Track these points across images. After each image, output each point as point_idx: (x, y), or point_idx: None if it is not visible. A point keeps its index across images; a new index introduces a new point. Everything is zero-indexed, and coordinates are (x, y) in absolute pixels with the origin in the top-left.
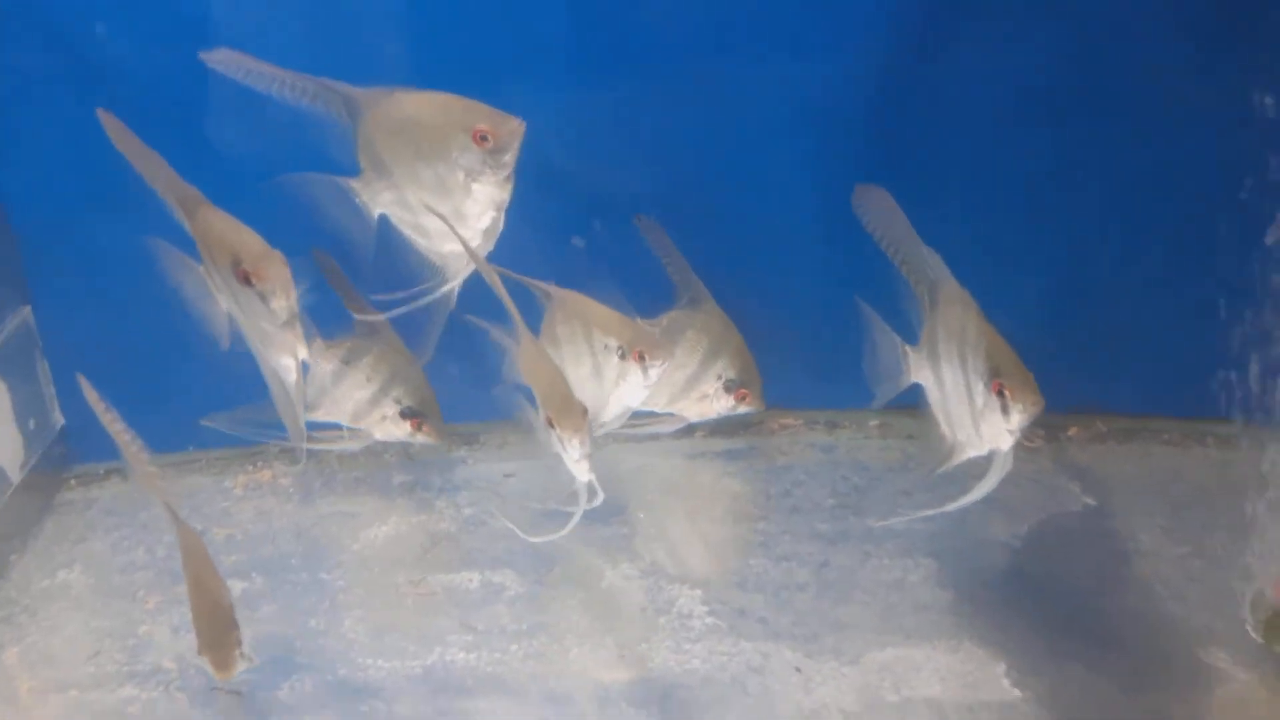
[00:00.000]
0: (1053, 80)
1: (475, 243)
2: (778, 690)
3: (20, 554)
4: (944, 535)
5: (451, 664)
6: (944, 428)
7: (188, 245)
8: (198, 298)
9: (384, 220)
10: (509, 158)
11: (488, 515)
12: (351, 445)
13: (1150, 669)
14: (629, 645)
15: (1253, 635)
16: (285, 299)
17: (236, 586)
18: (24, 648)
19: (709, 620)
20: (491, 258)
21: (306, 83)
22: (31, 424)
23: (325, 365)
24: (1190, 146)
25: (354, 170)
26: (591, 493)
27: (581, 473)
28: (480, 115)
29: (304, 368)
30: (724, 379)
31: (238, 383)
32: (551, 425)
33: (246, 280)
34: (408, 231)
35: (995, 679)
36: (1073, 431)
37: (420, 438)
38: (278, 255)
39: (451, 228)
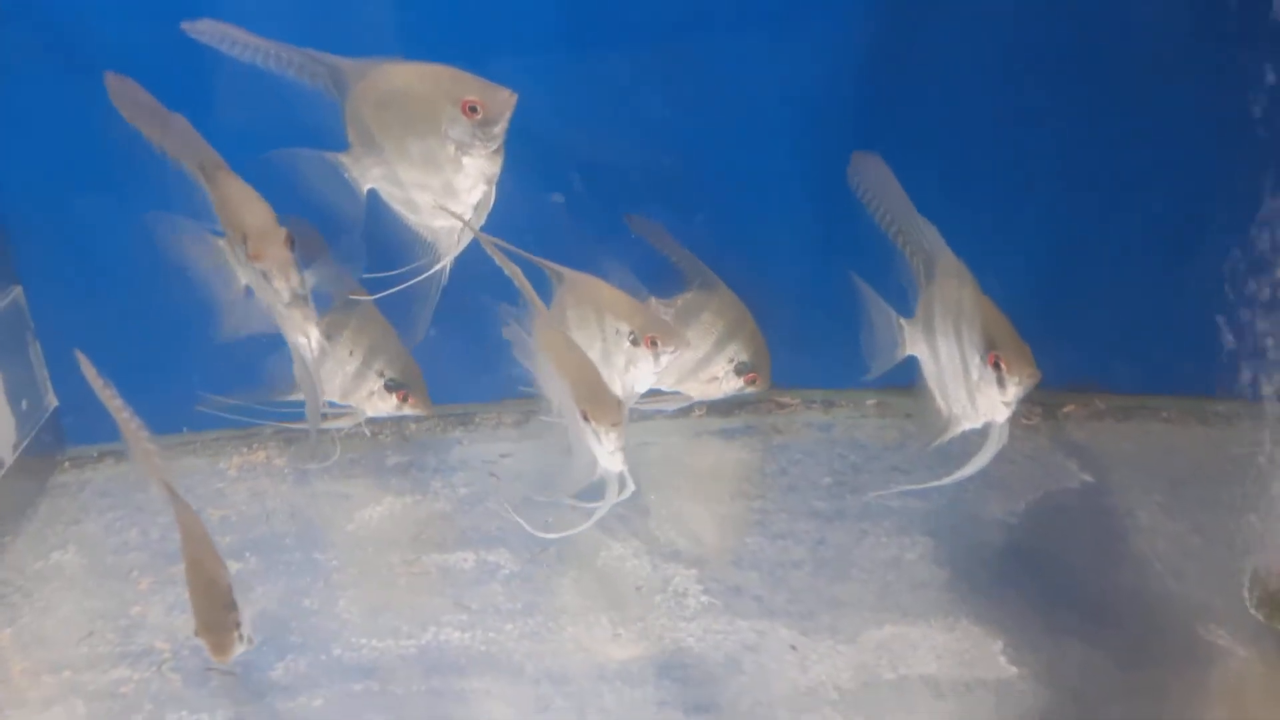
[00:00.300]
0: (1049, 51)
1: (466, 217)
2: (773, 668)
3: (14, 535)
4: (941, 513)
5: (446, 643)
6: (939, 401)
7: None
8: (211, 272)
9: (373, 195)
10: (499, 129)
11: (484, 495)
12: (345, 423)
13: (1148, 646)
14: (624, 624)
15: (1252, 612)
16: (285, 279)
17: (231, 567)
18: (17, 629)
19: (704, 599)
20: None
21: (292, 54)
22: (24, 405)
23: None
24: (1191, 123)
25: (342, 145)
26: (622, 483)
27: (615, 464)
28: (470, 86)
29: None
30: (736, 362)
31: (232, 364)
32: (587, 419)
33: (253, 257)
34: (398, 207)
35: (992, 656)
36: (1070, 409)
37: (408, 410)
38: (280, 234)
39: (466, 223)
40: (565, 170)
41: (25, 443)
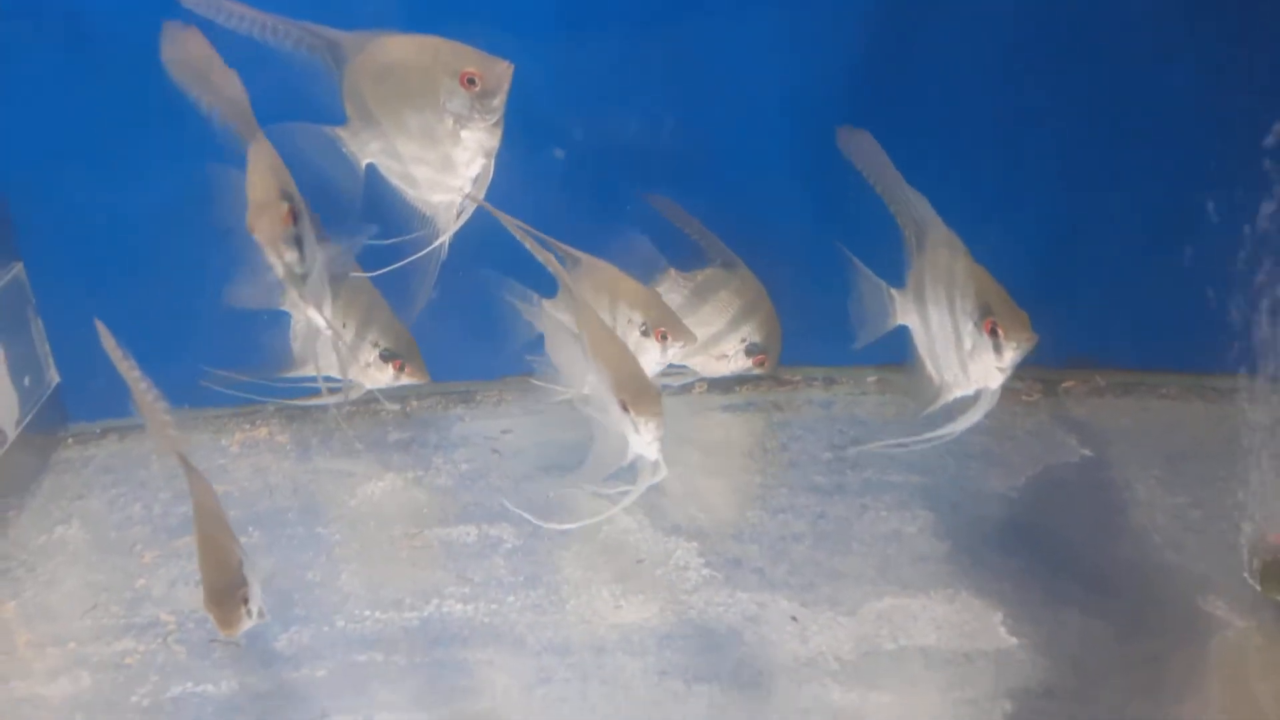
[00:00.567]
0: (1050, 28)
1: (464, 190)
2: (774, 639)
3: (18, 510)
4: (941, 488)
5: (449, 615)
6: (930, 369)
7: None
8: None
9: (372, 170)
10: (498, 102)
11: (486, 471)
12: (343, 398)
13: (1148, 617)
14: (625, 596)
15: (1251, 583)
16: (276, 254)
17: None
18: (22, 602)
19: (705, 571)
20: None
21: (289, 27)
22: (26, 381)
23: (298, 313)
24: (1192, 100)
25: (340, 118)
26: (655, 470)
27: (652, 452)
28: (468, 58)
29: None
30: (748, 342)
31: (235, 340)
32: (626, 408)
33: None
34: (396, 181)
35: (992, 628)
36: (1071, 385)
37: (405, 379)
38: (278, 209)
39: (493, 210)
40: (577, 145)
41: (28, 419)
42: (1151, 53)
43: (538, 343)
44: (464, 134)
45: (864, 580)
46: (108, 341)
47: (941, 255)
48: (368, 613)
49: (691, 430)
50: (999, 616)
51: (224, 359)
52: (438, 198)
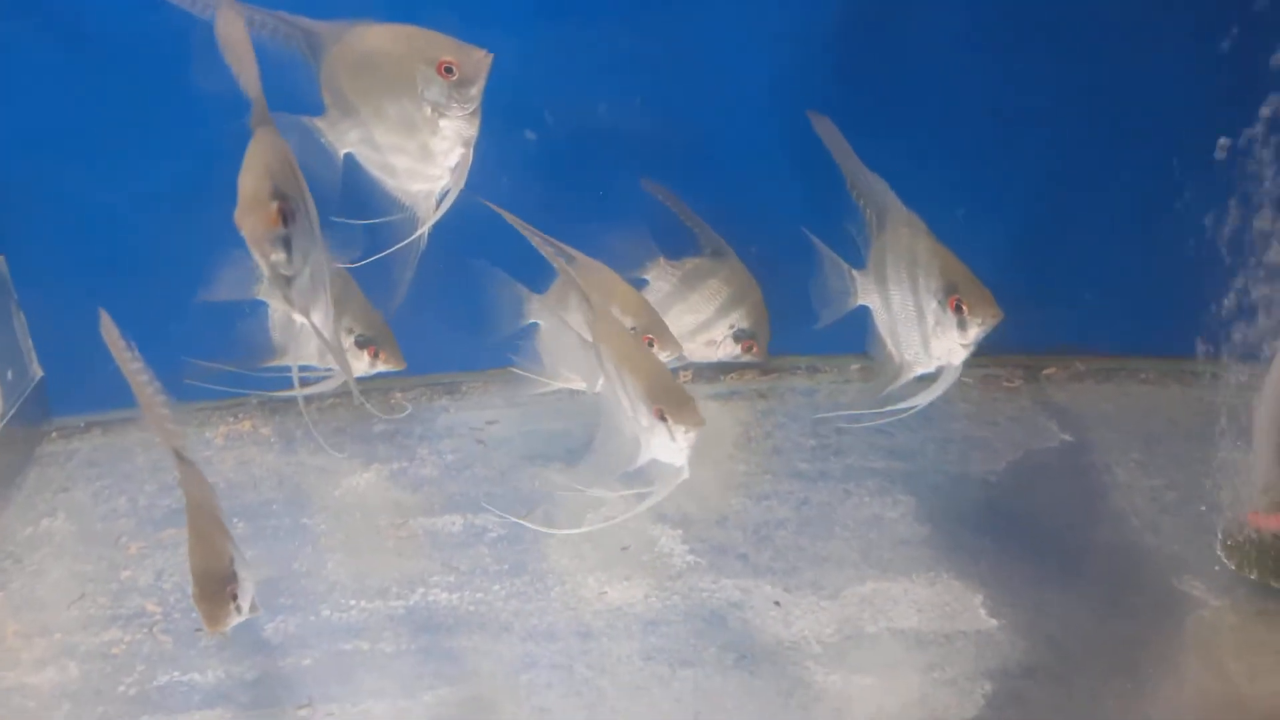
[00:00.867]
0: (1036, 16)
1: (443, 180)
2: (757, 624)
3: (3, 503)
4: (923, 473)
5: (434, 604)
6: (890, 348)
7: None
8: None
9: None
10: (475, 90)
11: (471, 461)
12: (325, 388)
13: (1125, 597)
14: (610, 583)
15: (1225, 562)
16: (260, 253)
17: None
18: (9, 593)
19: (689, 558)
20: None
21: (265, 17)
22: (9, 375)
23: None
24: (1173, 87)
25: (318, 109)
26: (678, 475)
27: (681, 460)
28: (445, 47)
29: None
30: (736, 329)
31: (218, 333)
32: (663, 417)
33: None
34: (375, 171)
35: (972, 609)
36: (1051, 371)
37: (381, 366)
38: (265, 207)
39: (522, 225)
40: (563, 132)
41: (11, 413)
42: (1132, 43)
43: (522, 335)
44: (442, 123)
45: (846, 565)
46: (109, 332)
47: (903, 235)
48: (353, 602)
49: None
50: (979, 598)
51: (208, 353)
52: (417, 187)
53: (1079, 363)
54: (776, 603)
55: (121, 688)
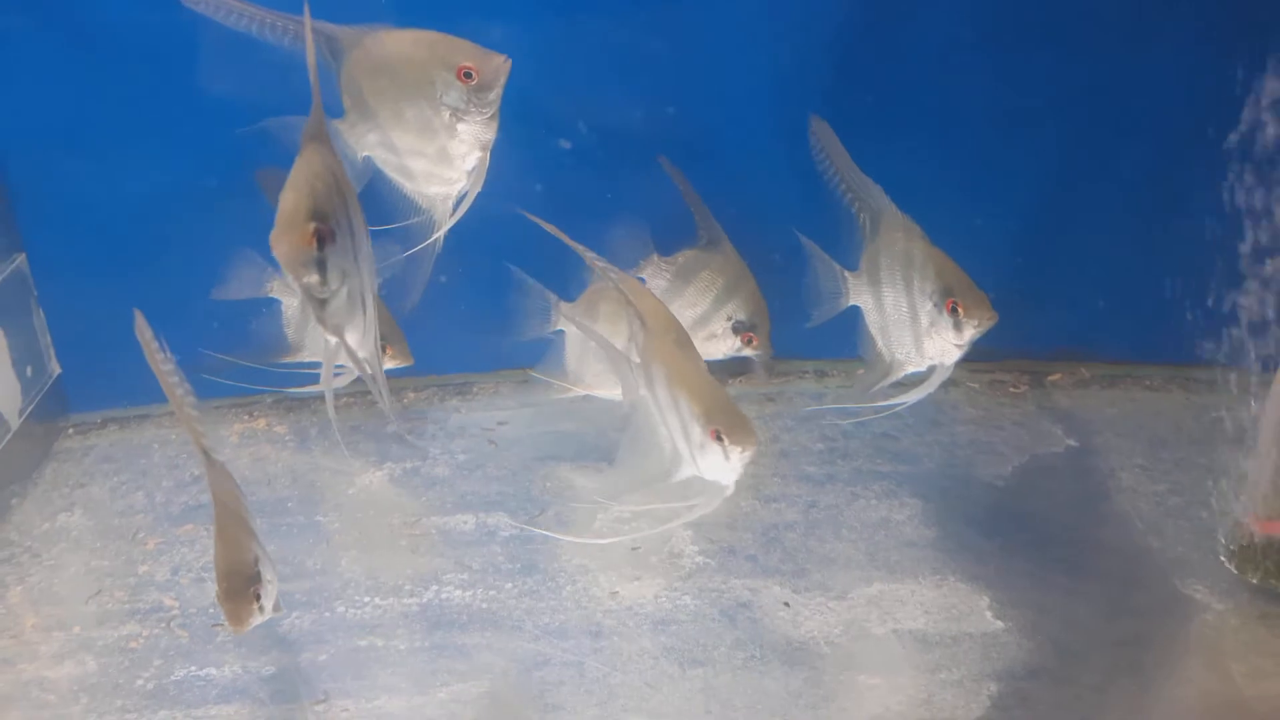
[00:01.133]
0: (1038, 20)
1: (460, 184)
2: (766, 623)
3: (21, 498)
4: (930, 476)
5: (447, 601)
6: (881, 347)
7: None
8: None
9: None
10: (494, 95)
11: (483, 461)
12: (340, 383)
13: (1129, 599)
14: (621, 583)
15: (1227, 566)
16: (294, 275)
17: None
18: (27, 587)
19: (699, 559)
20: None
21: (287, 22)
22: (28, 371)
23: (290, 300)
24: (1176, 95)
25: (338, 111)
26: (723, 491)
27: (730, 479)
28: (465, 52)
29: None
30: (733, 320)
31: (235, 330)
32: (720, 438)
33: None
34: (392, 174)
35: (979, 611)
36: (1057, 377)
37: (390, 363)
38: (300, 229)
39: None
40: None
41: (30, 408)
42: (1140, 47)
43: (544, 340)
44: (460, 127)
45: (854, 566)
46: (143, 332)
47: (898, 239)
48: (368, 598)
49: None
50: (985, 600)
51: (226, 350)
52: (434, 190)
53: (1084, 368)
54: (785, 603)
55: (139, 682)
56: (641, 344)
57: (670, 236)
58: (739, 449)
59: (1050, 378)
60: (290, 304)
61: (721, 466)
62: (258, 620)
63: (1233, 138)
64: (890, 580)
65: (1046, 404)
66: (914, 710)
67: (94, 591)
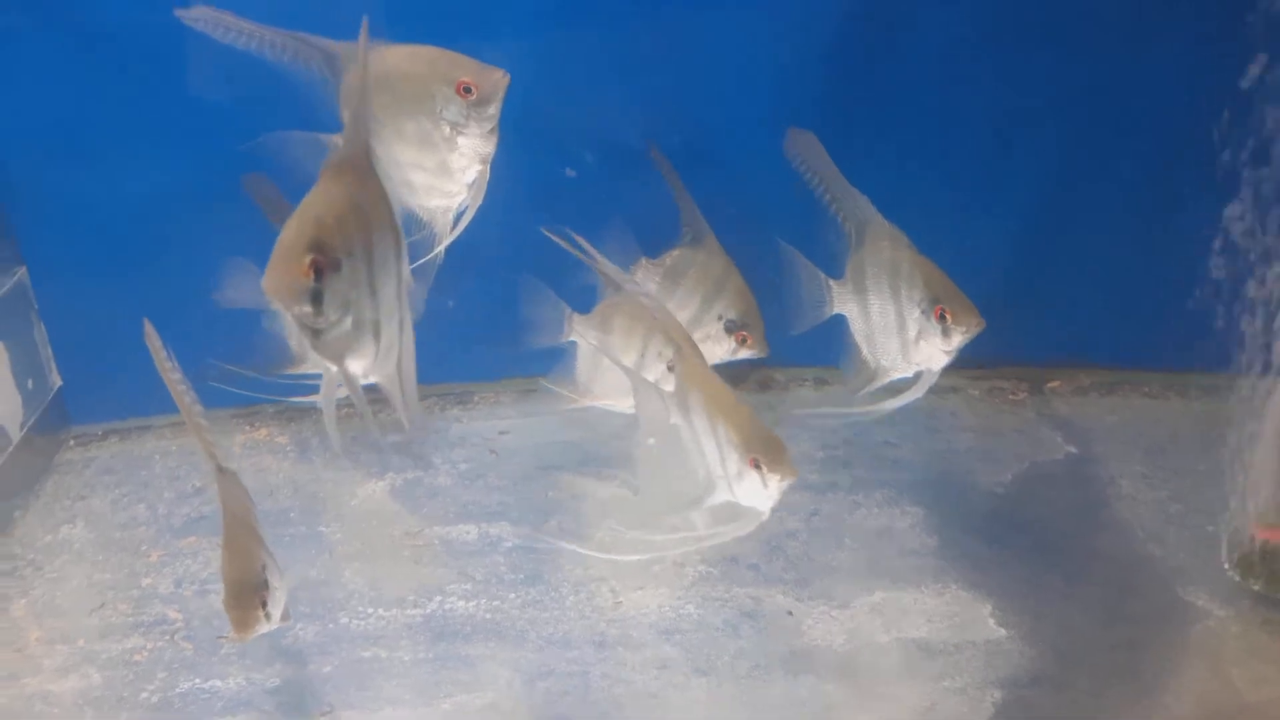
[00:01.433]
0: (1036, 21)
1: (461, 196)
2: (770, 632)
3: (23, 511)
4: (930, 484)
5: (451, 612)
6: (865, 354)
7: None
8: None
9: None
10: (493, 110)
11: (484, 471)
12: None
13: (1130, 607)
14: (624, 592)
15: (1229, 573)
16: (285, 308)
17: None
18: (30, 600)
19: (701, 568)
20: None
21: (286, 39)
22: (29, 384)
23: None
24: (1175, 99)
25: (338, 127)
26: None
27: (766, 506)
28: (464, 67)
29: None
30: (724, 319)
31: (238, 342)
32: (757, 466)
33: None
34: (393, 188)
35: (981, 619)
36: (1055, 384)
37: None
38: (294, 262)
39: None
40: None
41: (31, 421)
42: (1138, 49)
43: (547, 350)
44: (460, 141)
45: (856, 575)
46: (152, 340)
47: (884, 248)
48: (371, 609)
49: None
50: (988, 608)
51: (229, 361)
52: (434, 203)
53: (1083, 375)
54: (789, 612)
55: (144, 694)
56: (679, 370)
57: (655, 237)
58: (777, 478)
59: (1049, 384)
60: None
61: (758, 494)
62: (265, 629)
63: (1233, 142)
64: (892, 589)
65: (1046, 411)
66: (918, 718)
67: (97, 604)
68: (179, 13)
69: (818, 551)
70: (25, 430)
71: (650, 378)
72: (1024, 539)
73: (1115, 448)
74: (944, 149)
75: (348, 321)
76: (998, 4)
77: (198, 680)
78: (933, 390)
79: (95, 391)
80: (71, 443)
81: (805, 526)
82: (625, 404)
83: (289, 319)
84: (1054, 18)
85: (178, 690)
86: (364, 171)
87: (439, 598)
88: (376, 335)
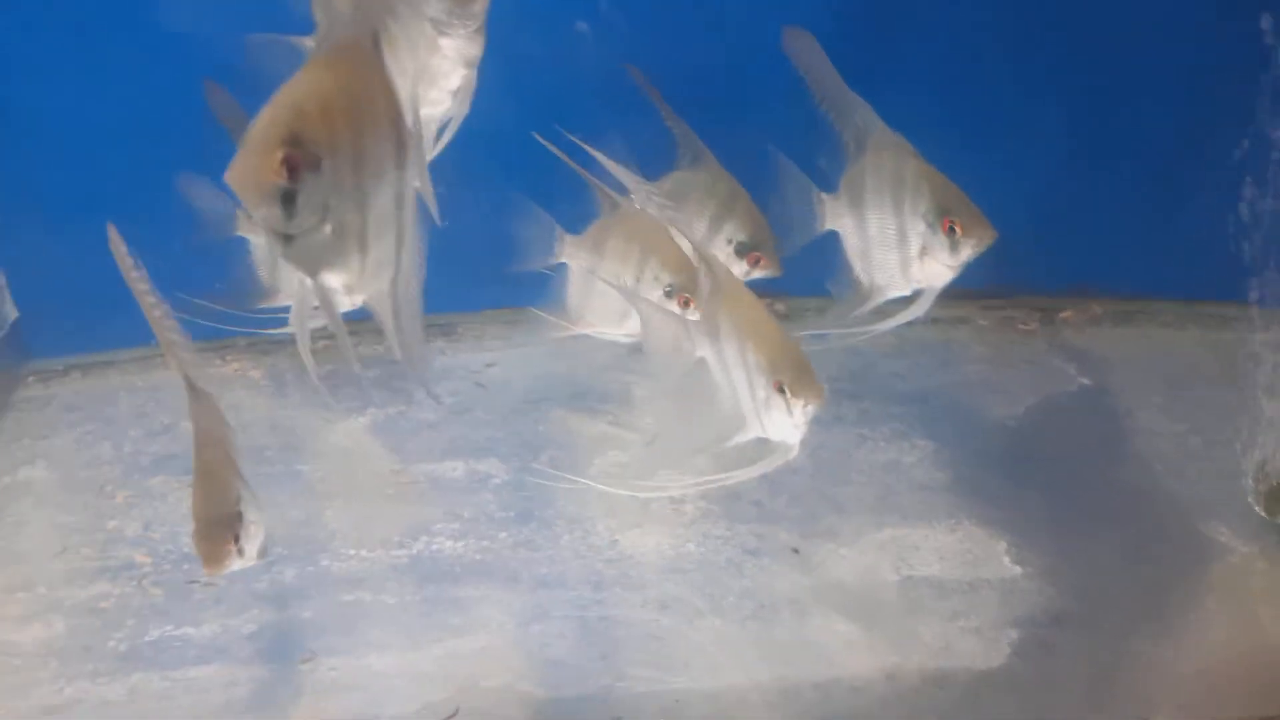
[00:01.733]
0: None
1: (444, 105)
2: (775, 571)
3: None
4: (940, 418)
5: (439, 552)
6: (859, 272)
7: None
8: None
9: None
10: (479, 7)
11: (471, 405)
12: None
13: (1151, 544)
14: (621, 530)
15: (1254, 507)
16: (252, 206)
17: None
18: None
19: (702, 504)
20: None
21: None
22: None
23: (259, 239)
24: (1189, 29)
25: (311, 27)
26: (788, 451)
27: (795, 438)
28: None
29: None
30: (735, 242)
31: (204, 272)
32: (782, 390)
33: None
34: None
35: (995, 556)
36: (1068, 315)
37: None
38: (265, 158)
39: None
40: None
41: None
42: None
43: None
44: (443, 42)
45: (864, 511)
46: (118, 248)
47: (886, 158)
48: (354, 551)
49: None
50: (1002, 545)
51: (194, 292)
52: (421, 112)
53: (1096, 305)
54: (794, 550)
55: (111, 643)
56: (709, 295)
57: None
58: (801, 403)
59: (1061, 315)
60: (259, 243)
61: (784, 423)
62: (238, 565)
63: (1253, 63)
64: (902, 525)
65: (1058, 342)
66: (932, 659)
67: (60, 549)
68: None
69: (823, 487)
70: None
71: (644, 294)
72: (1039, 474)
73: (1131, 379)
74: (955, 73)
75: (325, 229)
76: None
77: (169, 627)
78: (941, 321)
79: (55, 323)
80: (30, 379)
81: (810, 461)
82: (620, 331)
83: (256, 245)
84: None
85: (147, 638)
86: (364, 59)
87: (425, 538)
88: (363, 248)
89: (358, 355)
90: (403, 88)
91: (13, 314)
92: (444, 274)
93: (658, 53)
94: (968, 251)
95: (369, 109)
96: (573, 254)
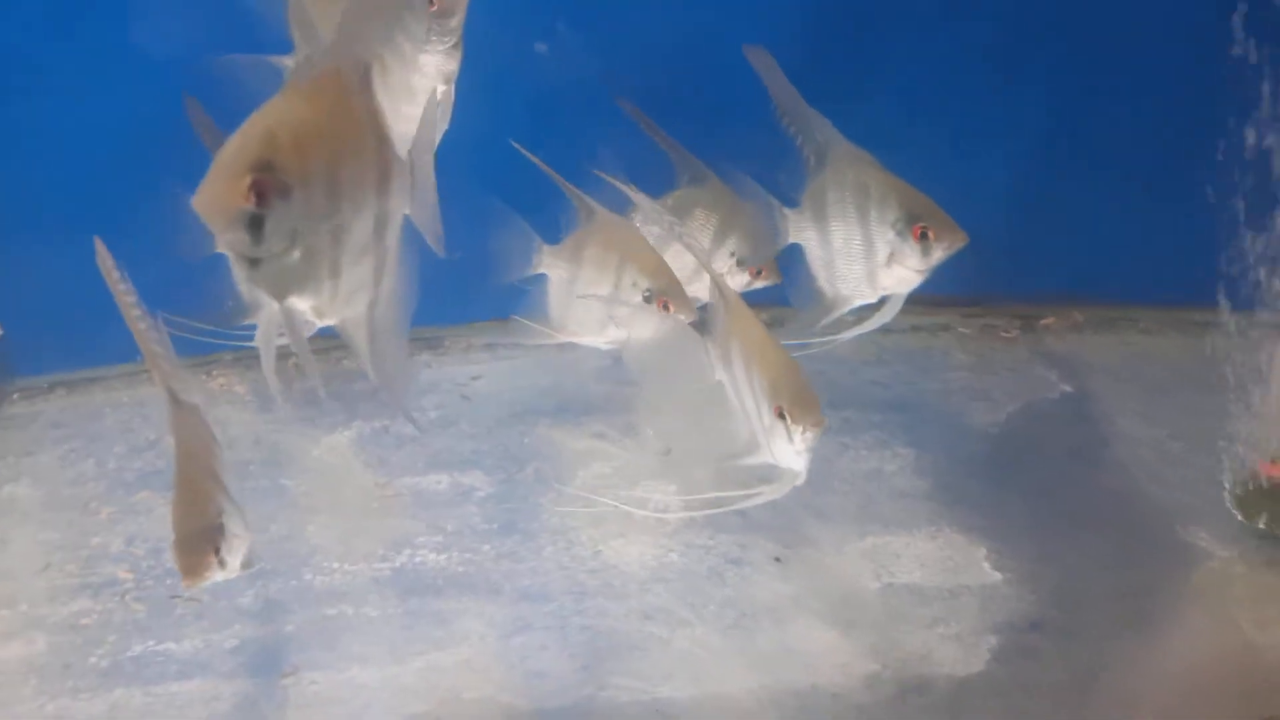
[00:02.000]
0: None
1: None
2: (757, 580)
3: None
4: (922, 425)
5: (422, 565)
6: (822, 283)
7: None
8: None
9: None
10: (456, 23)
11: (456, 418)
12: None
13: (1130, 548)
14: (604, 541)
15: (1233, 512)
16: (219, 232)
17: None
18: None
19: (685, 514)
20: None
21: None
22: None
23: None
24: (1174, 38)
25: (287, 47)
26: (793, 478)
27: (799, 464)
28: None
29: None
30: (737, 256)
31: (190, 290)
32: (783, 415)
33: None
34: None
35: (976, 563)
36: (1049, 322)
37: None
38: (232, 183)
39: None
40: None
41: None
42: None
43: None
44: (421, 59)
45: (846, 520)
46: (104, 260)
47: (847, 170)
48: (337, 564)
49: None
50: (983, 552)
51: (180, 310)
52: (398, 129)
53: (1077, 312)
54: (776, 559)
55: (92, 660)
56: (722, 319)
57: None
58: (800, 428)
59: (1042, 322)
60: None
61: (786, 450)
62: (220, 577)
63: (1233, 72)
64: (884, 533)
65: (1039, 349)
66: (913, 666)
67: (43, 566)
68: None
69: (805, 496)
70: None
71: (625, 309)
72: (1019, 480)
73: (1112, 385)
74: (937, 83)
75: (294, 254)
76: None
77: (150, 643)
78: (922, 329)
79: (41, 341)
80: (15, 396)
81: None
82: (600, 340)
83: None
84: None
85: (129, 654)
86: (347, 86)
87: (409, 550)
88: (335, 274)
89: (322, 374)
90: (395, 115)
91: None
92: (429, 287)
93: (620, 70)
94: (940, 254)
95: (349, 137)
96: (551, 264)
